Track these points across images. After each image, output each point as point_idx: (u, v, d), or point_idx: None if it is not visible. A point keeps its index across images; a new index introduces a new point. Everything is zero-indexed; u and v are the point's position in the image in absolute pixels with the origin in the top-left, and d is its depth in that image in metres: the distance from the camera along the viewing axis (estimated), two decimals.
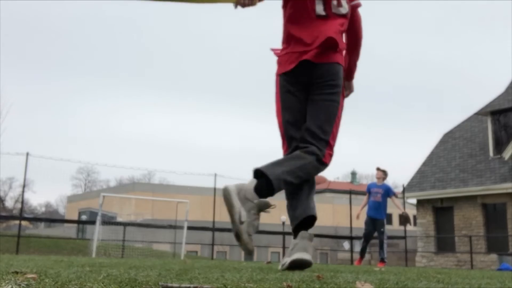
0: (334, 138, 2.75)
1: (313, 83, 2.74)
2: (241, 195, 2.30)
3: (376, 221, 9.34)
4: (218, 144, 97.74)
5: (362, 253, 9.51)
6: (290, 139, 2.78)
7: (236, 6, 2.76)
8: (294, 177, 2.49)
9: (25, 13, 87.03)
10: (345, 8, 2.82)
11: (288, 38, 2.82)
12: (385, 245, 9.28)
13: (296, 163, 2.53)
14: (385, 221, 9.36)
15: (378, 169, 9.57)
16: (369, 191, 9.55)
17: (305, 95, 2.78)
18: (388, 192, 9.37)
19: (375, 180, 9.65)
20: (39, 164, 12.53)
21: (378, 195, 9.36)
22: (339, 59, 2.78)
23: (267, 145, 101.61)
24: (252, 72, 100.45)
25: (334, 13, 2.78)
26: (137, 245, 17.20)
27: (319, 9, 2.76)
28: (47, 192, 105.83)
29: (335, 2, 2.79)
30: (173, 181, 61.94)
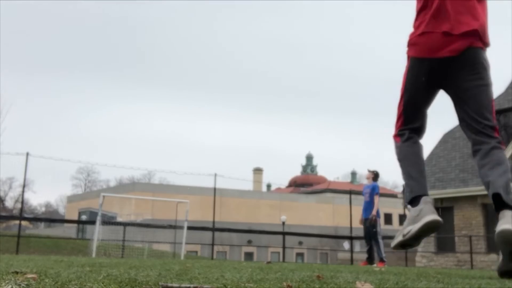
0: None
1: (457, 71, 2.67)
2: None
3: (367, 220, 9.53)
4: (218, 144, 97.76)
5: (368, 255, 9.46)
6: (406, 120, 2.84)
7: None
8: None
9: (26, 13, 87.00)
10: None
11: (420, 13, 2.72)
12: (380, 245, 9.31)
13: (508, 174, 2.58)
14: (377, 220, 9.44)
15: (368, 170, 9.83)
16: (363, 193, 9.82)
17: (435, 80, 2.75)
18: (373, 191, 9.51)
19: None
20: (39, 164, 12.53)
21: (366, 195, 9.64)
22: (482, 43, 2.68)
23: (267, 145, 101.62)
24: (253, 73, 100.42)
25: None
26: (137, 245, 17.19)
27: None
28: (47, 192, 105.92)
29: None
30: (173, 181, 62.07)
